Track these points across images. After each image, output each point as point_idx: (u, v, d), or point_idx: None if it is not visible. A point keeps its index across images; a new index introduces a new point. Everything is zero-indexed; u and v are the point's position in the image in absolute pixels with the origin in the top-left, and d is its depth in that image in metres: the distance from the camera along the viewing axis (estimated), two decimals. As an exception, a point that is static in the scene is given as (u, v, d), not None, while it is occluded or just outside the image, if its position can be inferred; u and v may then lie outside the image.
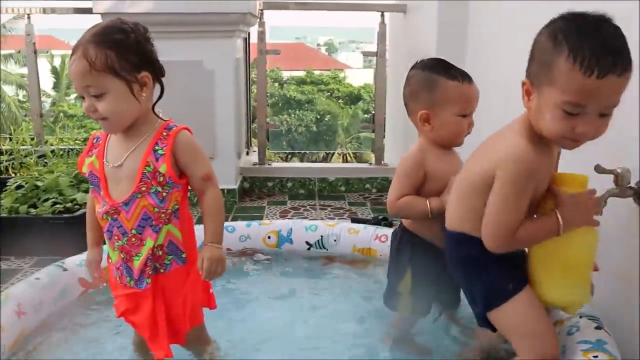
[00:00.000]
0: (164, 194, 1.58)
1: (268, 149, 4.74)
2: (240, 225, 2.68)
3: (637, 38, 1.51)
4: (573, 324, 1.78)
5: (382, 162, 4.57)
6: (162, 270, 1.62)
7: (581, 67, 1.28)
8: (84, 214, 3.10)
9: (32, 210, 3.15)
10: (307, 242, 2.67)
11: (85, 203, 3.24)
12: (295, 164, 4.67)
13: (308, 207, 4.05)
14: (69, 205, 3.22)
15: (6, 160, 4.16)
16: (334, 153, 10.83)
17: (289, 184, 4.45)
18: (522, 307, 1.56)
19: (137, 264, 1.60)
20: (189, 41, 3.94)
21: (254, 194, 4.39)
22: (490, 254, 1.51)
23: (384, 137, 4.68)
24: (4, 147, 4.70)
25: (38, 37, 4.74)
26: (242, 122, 4.50)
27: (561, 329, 1.81)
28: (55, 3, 4.74)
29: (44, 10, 4.67)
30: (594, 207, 1.52)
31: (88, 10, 4.15)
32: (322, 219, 3.60)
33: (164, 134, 1.61)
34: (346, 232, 2.65)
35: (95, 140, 1.69)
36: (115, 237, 1.62)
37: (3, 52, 21.22)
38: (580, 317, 1.80)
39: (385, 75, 4.59)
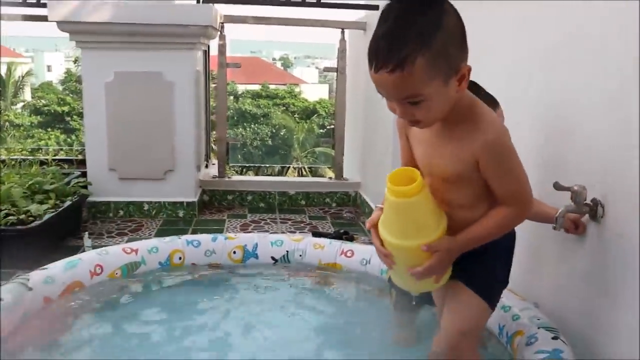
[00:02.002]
0: None
1: (227, 162, 4.70)
2: (205, 239, 2.64)
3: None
4: (532, 334, 1.84)
5: (342, 177, 4.61)
6: None
7: (368, 61, 1.35)
8: (39, 225, 3.05)
9: (-17, 222, 3.04)
10: (272, 257, 2.66)
11: (40, 215, 3.17)
12: (256, 177, 4.67)
13: (269, 221, 4.04)
14: (22, 217, 3.12)
15: (-46, 170, 4.01)
16: (289, 167, 10.84)
17: (249, 197, 4.43)
18: None
19: None
20: (149, 52, 3.89)
21: (213, 207, 4.35)
22: None
23: (344, 152, 4.72)
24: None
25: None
26: (201, 135, 4.46)
27: (520, 340, 1.87)
28: (4, 9, 4.57)
29: (-8, 17, 4.53)
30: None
31: (42, 18, 4.06)
32: (283, 233, 3.60)
33: None
34: (312, 248, 2.65)
35: None
36: None
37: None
38: (539, 327, 1.86)
39: (345, 91, 4.63)
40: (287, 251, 2.65)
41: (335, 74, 4.68)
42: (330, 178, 4.74)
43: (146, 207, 4.02)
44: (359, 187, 4.53)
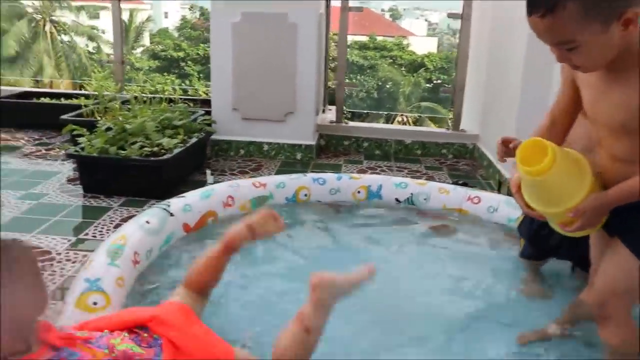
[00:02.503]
0: None
1: (345, 108, 4.69)
2: (330, 177, 2.67)
3: None
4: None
5: (460, 128, 4.48)
6: None
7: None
8: (170, 158, 3.20)
9: (121, 151, 3.23)
10: (396, 199, 2.64)
11: (171, 148, 3.32)
12: (373, 124, 4.64)
13: (384, 168, 4.03)
14: (155, 149, 3.29)
15: (92, 105, 4.28)
16: (396, 116, 10.76)
17: (365, 144, 4.42)
18: None
19: None
20: (275, -7, 3.92)
21: (329, 151, 4.39)
22: None
23: (463, 102, 4.57)
24: (88, 92, 4.85)
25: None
26: (321, 79, 4.47)
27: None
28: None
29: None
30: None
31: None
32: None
33: None
34: (437, 192, 2.61)
35: None
36: None
37: (75, 3, 21.75)
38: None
39: (468, 38, 4.45)
40: (412, 194, 2.62)
41: (460, 20, 4.50)
42: (447, 129, 4.62)
43: (266, 147, 4.12)
44: (477, 140, 4.39)
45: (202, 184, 3.47)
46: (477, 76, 4.53)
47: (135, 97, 4.24)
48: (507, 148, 1.55)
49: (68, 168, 3.69)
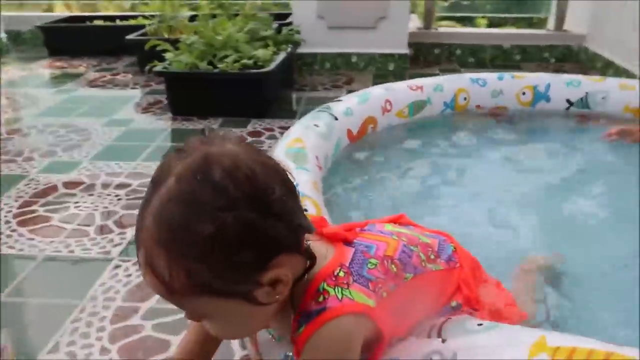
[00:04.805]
0: None
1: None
2: (491, 78, 2.27)
3: None
4: None
5: (563, 28, 4.02)
6: None
7: None
8: (271, 71, 2.81)
9: (210, 67, 2.85)
10: (567, 100, 2.25)
11: (268, 60, 2.93)
12: (465, 29, 4.14)
13: (489, 76, 3.62)
14: (249, 62, 2.90)
15: (157, 23, 3.87)
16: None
17: (458, 52, 3.99)
18: None
19: None
20: None
21: (419, 62, 3.96)
22: None
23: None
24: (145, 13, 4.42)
25: None
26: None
27: None
28: None
29: None
30: None
31: None
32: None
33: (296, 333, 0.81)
34: (617, 89, 2.22)
35: None
36: None
37: None
38: None
39: None
40: (587, 93, 2.23)
41: None
42: (548, 29, 4.14)
43: (354, 59, 3.70)
44: (583, 40, 3.93)
45: (298, 100, 3.12)
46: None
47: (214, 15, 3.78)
48: None
49: (140, 92, 3.34)
